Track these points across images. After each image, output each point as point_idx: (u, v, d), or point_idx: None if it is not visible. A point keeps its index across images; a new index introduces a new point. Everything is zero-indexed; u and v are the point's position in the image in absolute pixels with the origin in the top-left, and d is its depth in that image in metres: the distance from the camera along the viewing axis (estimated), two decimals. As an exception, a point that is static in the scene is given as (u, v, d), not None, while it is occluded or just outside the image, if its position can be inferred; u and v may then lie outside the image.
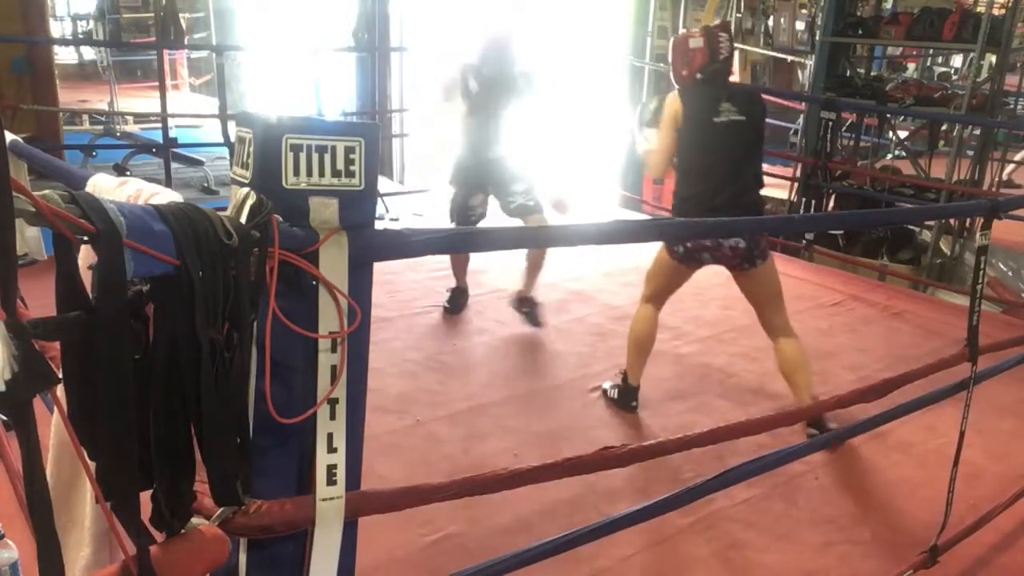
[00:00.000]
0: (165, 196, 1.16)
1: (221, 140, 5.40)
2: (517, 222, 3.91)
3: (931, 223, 6.33)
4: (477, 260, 4.71)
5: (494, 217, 4.06)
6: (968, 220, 6.01)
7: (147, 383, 0.91)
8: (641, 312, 3.33)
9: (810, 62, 7.59)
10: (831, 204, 6.55)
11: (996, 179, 6.65)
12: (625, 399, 3.32)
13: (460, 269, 4.34)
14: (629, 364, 3.32)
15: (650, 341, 3.31)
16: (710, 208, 3.04)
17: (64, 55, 11.75)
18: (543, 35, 7.67)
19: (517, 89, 3.86)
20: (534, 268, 4.07)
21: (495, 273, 4.74)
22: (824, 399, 1.98)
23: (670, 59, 3.22)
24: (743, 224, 2.87)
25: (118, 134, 7.71)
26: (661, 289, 3.34)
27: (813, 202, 6.24)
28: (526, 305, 4.10)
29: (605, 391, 3.42)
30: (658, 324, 3.34)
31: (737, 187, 3.08)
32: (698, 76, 3.12)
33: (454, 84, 3.87)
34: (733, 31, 3.91)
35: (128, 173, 6.05)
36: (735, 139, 3.07)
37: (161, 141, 5.68)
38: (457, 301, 4.34)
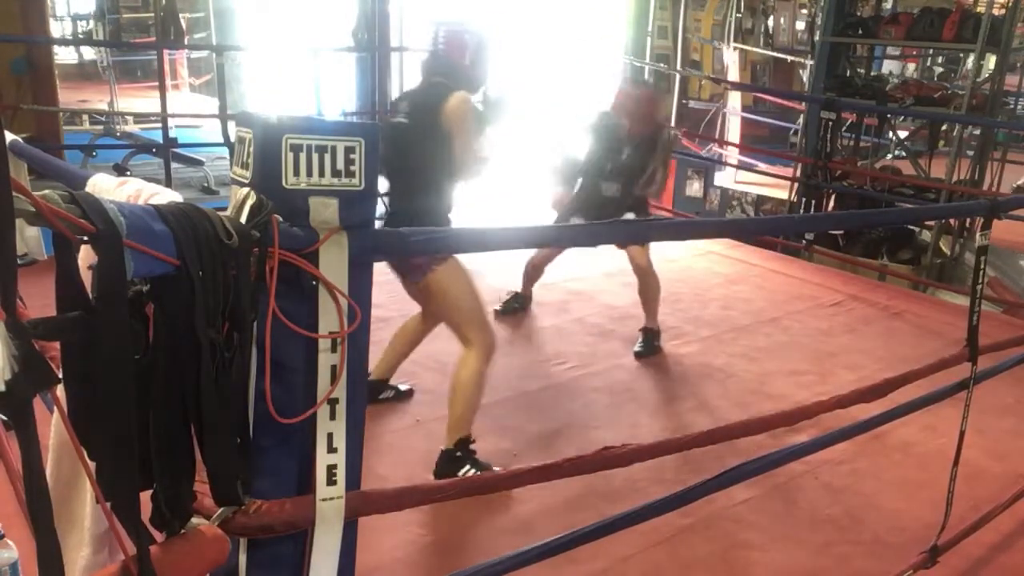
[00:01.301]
0: (165, 196, 1.16)
1: (221, 140, 5.40)
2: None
3: (931, 223, 6.33)
4: (474, 261, 4.70)
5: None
6: (968, 220, 6.00)
7: (147, 383, 0.91)
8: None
9: (810, 62, 7.59)
10: (831, 204, 6.55)
11: (997, 180, 6.65)
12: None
13: (530, 278, 4.37)
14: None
15: (399, 332, 3.33)
16: (386, 208, 2.97)
17: (64, 55, 11.74)
18: (540, 36, 7.67)
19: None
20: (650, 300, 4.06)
21: (491, 274, 4.74)
22: (824, 399, 1.98)
23: None
24: (739, 224, 2.86)
25: (118, 134, 7.71)
26: None
27: (813, 202, 6.25)
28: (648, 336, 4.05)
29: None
30: (420, 333, 3.31)
31: (398, 191, 2.95)
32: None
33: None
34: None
35: (128, 173, 6.05)
36: (397, 141, 2.89)
37: (161, 141, 5.67)
38: (511, 306, 4.38)
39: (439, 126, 2.77)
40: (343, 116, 6.96)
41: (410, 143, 2.85)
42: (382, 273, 4.63)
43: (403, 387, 3.44)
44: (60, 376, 0.87)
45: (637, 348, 3.98)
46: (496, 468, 2.75)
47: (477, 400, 2.82)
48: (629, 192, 3.98)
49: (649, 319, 4.04)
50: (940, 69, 10.54)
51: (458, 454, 2.76)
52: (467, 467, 2.75)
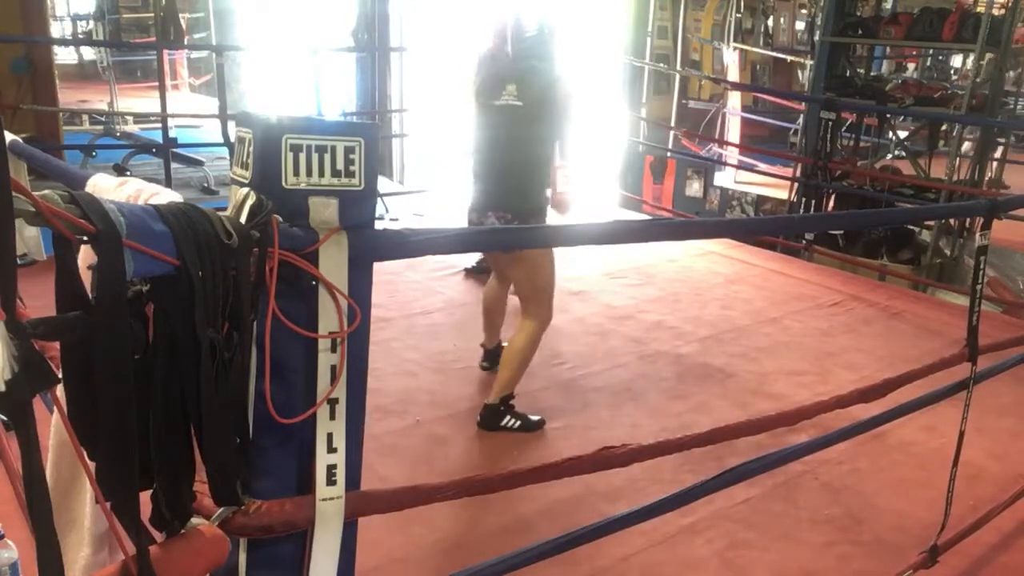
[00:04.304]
0: (165, 196, 1.16)
1: (221, 140, 5.40)
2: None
3: (931, 223, 6.33)
4: (473, 260, 4.72)
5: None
6: (968, 220, 6.00)
7: (147, 383, 0.91)
8: (488, 283, 3.59)
9: (810, 62, 7.60)
10: (831, 204, 6.55)
11: (989, 178, 6.65)
12: (482, 359, 3.65)
13: None
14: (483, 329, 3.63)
15: (489, 307, 3.54)
16: (482, 190, 3.17)
17: (64, 55, 11.73)
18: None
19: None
20: None
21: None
22: (824, 399, 1.98)
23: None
24: (739, 224, 2.87)
25: (118, 134, 7.71)
26: (492, 265, 3.53)
27: (813, 202, 6.25)
28: None
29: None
30: (504, 296, 3.52)
31: (505, 172, 3.12)
32: (501, 53, 3.19)
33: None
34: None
35: (128, 173, 6.05)
36: (508, 123, 3.09)
37: (161, 141, 5.68)
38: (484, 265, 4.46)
39: (556, 106, 3.07)
40: (343, 116, 6.96)
41: (523, 126, 3.08)
42: (382, 273, 4.63)
43: None
44: (60, 376, 0.87)
45: None
46: (534, 417, 3.16)
47: (527, 364, 3.17)
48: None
49: None
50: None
51: (501, 408, 3.11)
52: (508, 419, 3.11)
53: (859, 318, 4.62)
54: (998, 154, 7.08)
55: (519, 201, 3.12)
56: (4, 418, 0.90)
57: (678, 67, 8.82)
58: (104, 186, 1.33)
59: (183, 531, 1.00)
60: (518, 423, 3.12)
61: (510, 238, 1.93)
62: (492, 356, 3.59)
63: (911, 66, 10.32)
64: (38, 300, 1.16)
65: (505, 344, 3.58)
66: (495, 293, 3.52)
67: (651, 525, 2.06)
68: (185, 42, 10.14)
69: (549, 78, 3.12)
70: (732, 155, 8.67)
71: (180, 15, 9.69)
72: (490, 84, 3.12)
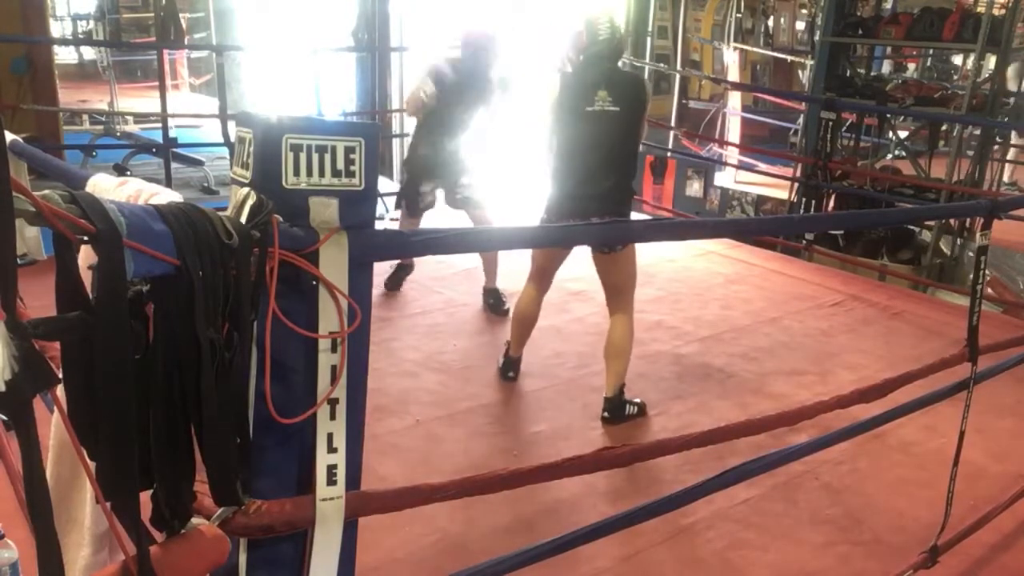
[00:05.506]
0: (165, 196, 1.16)
1: (221, 140, 5.40)
2: (462, 214, 4.33)
3: (931, 223, 6.33)
4: (474, 260, 4.72)
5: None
6: (968, 220, 6.00)
7: (147, 383, 0.91)
8: (524, 291, 3.53)
9: (810, 62, 7.59)
10: (831, 204, 6.54)
11: (997, 180, 6.65)
12: (504, 369, 3.59)
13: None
14: (511, 337, 3.58)
15: (528, 317, 3.52)
16: (574, 196, 3.14)
17: (64, 55, 11.74)
18: (540, 35, 7.67)
19: (477, 93, 4.10)
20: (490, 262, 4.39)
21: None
22: (824, 399, 1.98)
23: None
24: (739, 224, 2.87)
25: (118, 134, 7.71)
26: (539, 269, 3.47)
27: (813, 202, 6.24)
28: (491, 297, 4.42)
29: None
30: (541, 304, 3.52)
31: (604, 177, 3.12)
32: (580, 58, 3.21)
33: (423, 82, 4.16)
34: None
35: (128, 173, 6.05)
36: (605, 129, 3.09)
37: (161, 141, 5.68)
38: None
39: (643, 109, 3.17)
40: (343, 116, 6.96)
41: (621, 131, 3.12)
42: (383, 274, 4.63)
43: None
44: (60, 376, 0.87)
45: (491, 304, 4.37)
46: (638, 400, 3.30)
47: (631, 352, 3.29)
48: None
49: (489, 280, 4.39)
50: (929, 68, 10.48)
51: (623, 399, 3.24)
52: (628, 407, 3.26)
53: (859, 318, 4.62)
54: (1008, 155, 7.07)
55: (622, 203, 3.16)
56: (4, 418, 0.90)
57: (678, 67, 8.81)
58: (104, 186, 1.33)
59: (183, 531, 1.00)
60: (636, 408, 3.28)
61: (509, 237, 1.93)
62: (516, 365, 3.59)
63: (911, 66, 10.31)
64: (38, 300, 1.16)
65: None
66: (532, 303, 3.48)
67: (651, 525, 2.05)
68: (185, 42, 10.14)
69: (633, 79, 3.23)
70: (732, 155, 8.66)
71: (180, 15, 9.68)
72: (578, 91, 3.11)
